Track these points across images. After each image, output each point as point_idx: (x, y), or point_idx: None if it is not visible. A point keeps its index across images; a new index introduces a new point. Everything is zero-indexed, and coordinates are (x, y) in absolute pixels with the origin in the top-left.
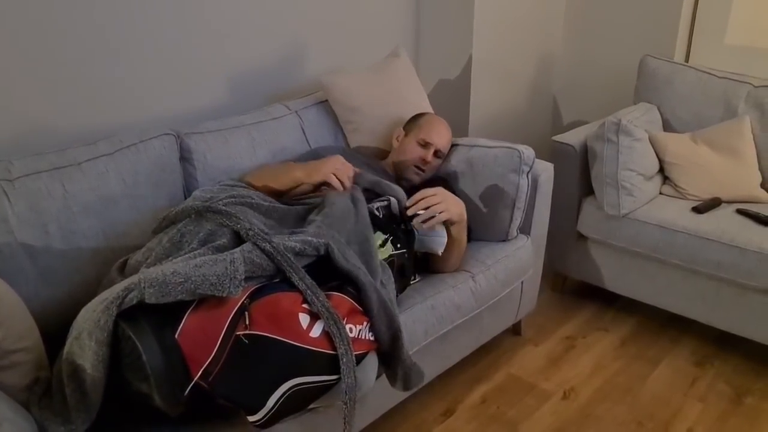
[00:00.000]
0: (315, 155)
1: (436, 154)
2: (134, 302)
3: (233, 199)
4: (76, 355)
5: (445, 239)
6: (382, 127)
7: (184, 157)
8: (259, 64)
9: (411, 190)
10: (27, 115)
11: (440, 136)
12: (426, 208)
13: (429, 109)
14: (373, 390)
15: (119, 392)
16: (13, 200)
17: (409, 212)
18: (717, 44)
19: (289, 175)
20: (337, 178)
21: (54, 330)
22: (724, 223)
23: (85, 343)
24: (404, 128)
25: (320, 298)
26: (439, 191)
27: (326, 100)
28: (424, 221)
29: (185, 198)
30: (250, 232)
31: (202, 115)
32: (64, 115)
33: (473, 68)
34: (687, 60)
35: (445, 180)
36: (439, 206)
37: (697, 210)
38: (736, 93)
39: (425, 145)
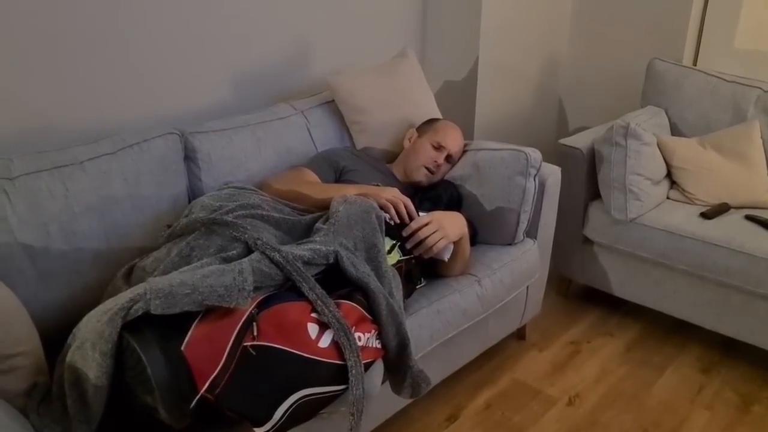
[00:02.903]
0: (325, 159)
1: (448, 158)
2: (139, 313)
3: (243, 211)
4: (79, 364)
5: (452, 246)
6: (388, 128)
7: (189, 157)
8: (265, 64)
9: (417, 193)
10: (29, 113)
11: (454, 141)
12: (424, 238)
13: (436, 110)
14: (377, 395)
15: (122, 403)
16: (14, 199)
17: (408, 246)
18: (726, 48)
19: (339, 192)
20: (393, 208)
21: (53, 334)
22: (732, 229)
23: (89, 354)
24: (418, 130)
25: (331, 309)
26: (434, 218)
27: (332, 101)
28: (425, 251)
29: (189, 199)
30: (258, 242)
31: (206, 114)
32: (66, 113)
33: (480, 70)
34: (695, 63)
35: (451, 183)
36: (436, 235)
37: (705, 215)
38: (745, 97)
39: (439, 148)
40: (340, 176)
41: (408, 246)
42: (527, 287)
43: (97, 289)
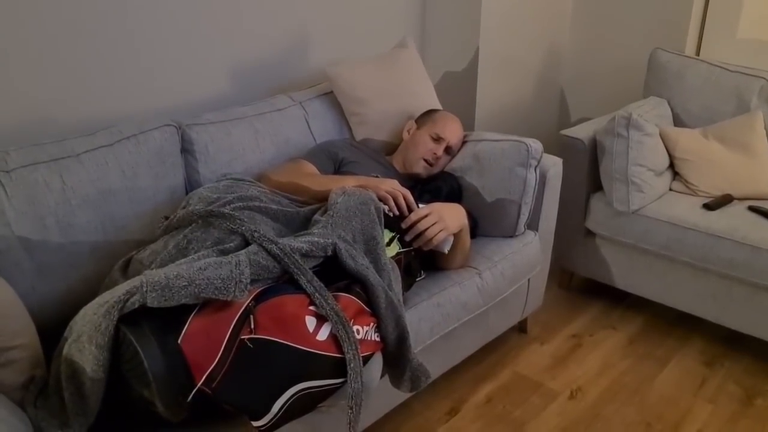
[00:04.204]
0: (324, 150)
1: (447, 150)
2: (136, 306)
3: (241, 203)
4: (76, 357)
5: (452, 238)
6: (388, 119)
7: (186, 149)
8: (263, 54)
9: (416, 185)
10: (25, 105)
11: (453, 133)
12: (424, 230)
13: (436, 101)
14: (377, 389)
15: (119, 396)
16: (10, 192)
17: (407, 238)
18: (729, 38)
19: (339, 183)
20: (393, 200)
21: (50, 326)
22: (735, 221)
23: (85, 347)
24: (417, 121)
25: (329, 301)
26: (434, 209)
27: (331, 92)
28: (424, 243)
29: (186, 191)
30: (256, 234)
31: (204, 105)
32: (63, 105)
33: (480, 61)
34: (698, 54)
35: (451, 175)
36: (435, 227)
37: (708, 207)
38: (748, 87)
39: (438, 139)
40: (339, 168)
41: (407, 238)
42: (528, 280)
43: (95, 282)
